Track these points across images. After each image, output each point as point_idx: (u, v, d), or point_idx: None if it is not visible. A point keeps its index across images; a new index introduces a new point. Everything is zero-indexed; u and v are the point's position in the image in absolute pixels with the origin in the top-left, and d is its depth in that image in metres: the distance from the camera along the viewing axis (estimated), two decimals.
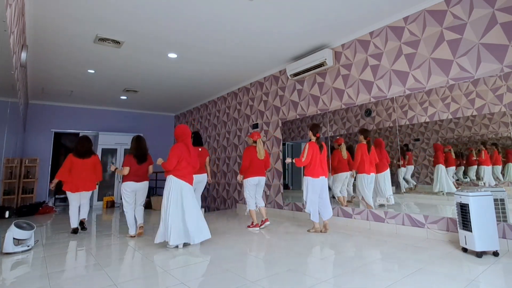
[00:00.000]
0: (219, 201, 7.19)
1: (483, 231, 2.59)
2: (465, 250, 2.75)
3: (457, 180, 3.38)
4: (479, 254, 2.59)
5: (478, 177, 3.21)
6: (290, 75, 5.07)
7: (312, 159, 3.79)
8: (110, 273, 2.45)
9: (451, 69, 3.29)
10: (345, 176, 4.47)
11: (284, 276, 2.30)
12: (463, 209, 2.71)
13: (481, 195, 2.66)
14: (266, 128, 5.87)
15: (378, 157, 4.04)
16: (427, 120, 3.51)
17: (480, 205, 2.63)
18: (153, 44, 4.48)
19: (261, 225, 4.20)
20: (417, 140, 3.62)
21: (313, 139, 3.89)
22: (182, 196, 3.27)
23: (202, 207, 7.57)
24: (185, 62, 5.26)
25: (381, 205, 3.95)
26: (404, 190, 3.76)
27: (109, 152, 8.28)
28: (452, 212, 3.23)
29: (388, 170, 3.95)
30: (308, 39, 4.44)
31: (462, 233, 2.73)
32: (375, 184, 4.07)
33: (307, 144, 3.85)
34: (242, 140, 6.51)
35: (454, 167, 3.39)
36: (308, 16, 3.75)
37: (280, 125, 5.55)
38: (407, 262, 2.52)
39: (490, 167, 3.12)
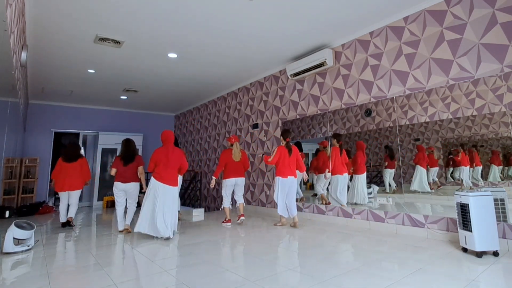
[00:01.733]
0: (219, 201, 7.19)
1: (483, 231, 2.59)
2: (465, 250, 2.75)
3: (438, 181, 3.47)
4: (479, 254, 2.59)
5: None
6: (290, 75, 5.07)
7: (280, 161, 4.21)
8: (110, 273, 2.45)
9: (451, 69, 3.29)
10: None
11: (284, 276, 2.30)
12: (463, 209, 2.71)
13: (481, 195, 2.65)
14: (266, 128, 5.87)
15: (359, 159, 4.28)
16: (427, 120, 3.51)
17: (480, 205, 2.63)
18: (153, 44, 4.48)
19: (237, 219, 4.56)
20: (417, 140, 3.62)
21: (283, 143, 4.27)
22: (156, 195, 3.64)
23: (201, 207, 7.61)
24: (185, 62, 5.26)
25: (354, 204, 4.24)
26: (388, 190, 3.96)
27: (109, 152, 8.28)
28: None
29: (365, 173, 4.24)
30: (308, 39, 4.44)
31: (462, 233, 2.73)
32: (355, 185, 4.31)
33: (277, 147, 4.30)
34: (242, 140, 6.51)
35: (437, 168, 3.51)
36: (308, 16, 3.75)
37: (280, 125, 5.55)
38: (407, 262, 2.52)
39: (468, 167, 3.22)
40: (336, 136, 4.50)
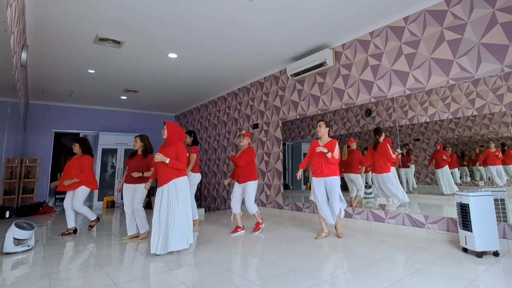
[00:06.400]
0: (219, 201, 7.19)
1: (483, 231, 2.59)
2: (465, 250, 2.75)
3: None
4: (479, 254, 2.59)
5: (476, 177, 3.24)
6: (290, 75, 5.07)
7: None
8: (111, 273, 2.46)
9: (451, 69, 3.29)
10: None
11: (284, 276, 2.30)
12: (463, 209, 2.71)
13: (481, 195, 2.65)
14: (266, 128, 5.87)
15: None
16: (427, 120, 3.51)
17: (481, 205, 2.63)
18: (153, 44, 4.48)
19: (242, 229, 4.00)
20: (417, 140, 3.62)
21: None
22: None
23: (201, 207, 7.60)
24: (185, 62, 5.26)
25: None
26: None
27: (109, 152, 8.28)
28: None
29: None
30: (309, 39, 4.44)
31: (462, 233, 2.73)
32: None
33: (335, 141, 3.57)
34: None
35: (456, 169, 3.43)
36: (308, 16, 3.75)
37: (280, 125, 5.55)
38: (407, 262, 2.53)
39: (500, 166, 3.10)
40: (379, 130, 3.94)
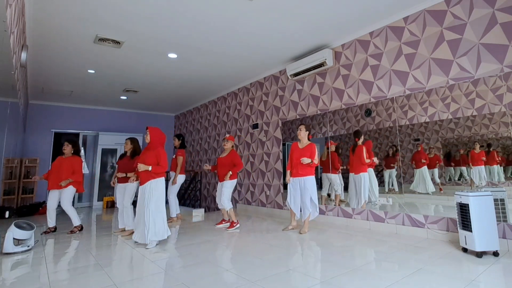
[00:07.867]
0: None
1: (483, 231, 2.59)
2: (465, 250, 2.75)
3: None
4: (479, 254, 2.59)
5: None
6: (290, 75, 5.07)
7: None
8: (110, 273, 2.45)
9: (451, 69, 3.29)
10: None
11: (284, 276, 2.30)
12: (463, 209, 2.71)
13: (481, 195, 2.66)
14: (266, 128, 5.87)
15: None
16: (427, 120, 3.51)
17: (480, 205, 2.63)
18: (153, 44, 4.48)
19: (219, 224, 4.50)
20: (417, 140, 3.63)
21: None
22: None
23: (201, 207, 7.61)
24: (185, 62, 5.26)
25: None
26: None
27: (109, 152, 8.28)
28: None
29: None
30: (308, 39, 4.44)
31: (462, 233, 2.73)
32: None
33: (314, 145, 3.94)
34: (242, 140, 6.51)
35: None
36: (308, 16, 3.75)
37: (280, 125, 5.55)
38: (407, 262, 2.52)
39: (483, 167, 3.16)
40: (358, 133, 4.20)
